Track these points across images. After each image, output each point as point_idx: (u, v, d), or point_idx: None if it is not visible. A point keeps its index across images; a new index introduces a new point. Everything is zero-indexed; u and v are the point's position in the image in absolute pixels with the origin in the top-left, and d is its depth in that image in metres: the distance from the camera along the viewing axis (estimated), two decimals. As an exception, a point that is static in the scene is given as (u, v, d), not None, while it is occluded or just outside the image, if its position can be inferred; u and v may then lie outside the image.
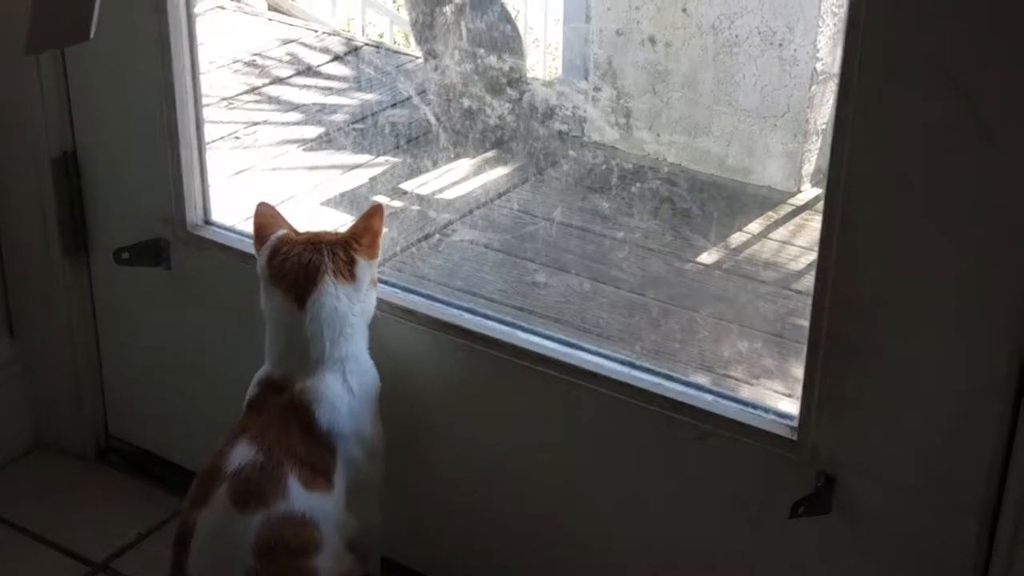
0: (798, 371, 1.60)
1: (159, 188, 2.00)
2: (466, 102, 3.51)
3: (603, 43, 3.65)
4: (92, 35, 1.34)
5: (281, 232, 1.75)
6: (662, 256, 3.12)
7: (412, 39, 4.05)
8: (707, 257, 3.14)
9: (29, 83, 2.03)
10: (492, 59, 3.55)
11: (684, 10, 3.50)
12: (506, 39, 3.68)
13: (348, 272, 1.70)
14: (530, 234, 3.17)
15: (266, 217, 1.77)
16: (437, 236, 3.15)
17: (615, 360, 1.74)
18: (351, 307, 1.71)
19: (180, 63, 1.92)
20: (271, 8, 4.86)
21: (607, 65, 3.65)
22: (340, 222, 3.21)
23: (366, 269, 1.73)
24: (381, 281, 1.82)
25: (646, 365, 1.73)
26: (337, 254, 1.71)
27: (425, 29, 3.72)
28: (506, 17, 3.73)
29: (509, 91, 3.57)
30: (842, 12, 1.45)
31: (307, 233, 1.76)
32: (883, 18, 1.37)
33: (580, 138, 3.48)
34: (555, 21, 4.87)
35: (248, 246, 1.97)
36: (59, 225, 2.11)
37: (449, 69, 3.58)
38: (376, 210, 1.75)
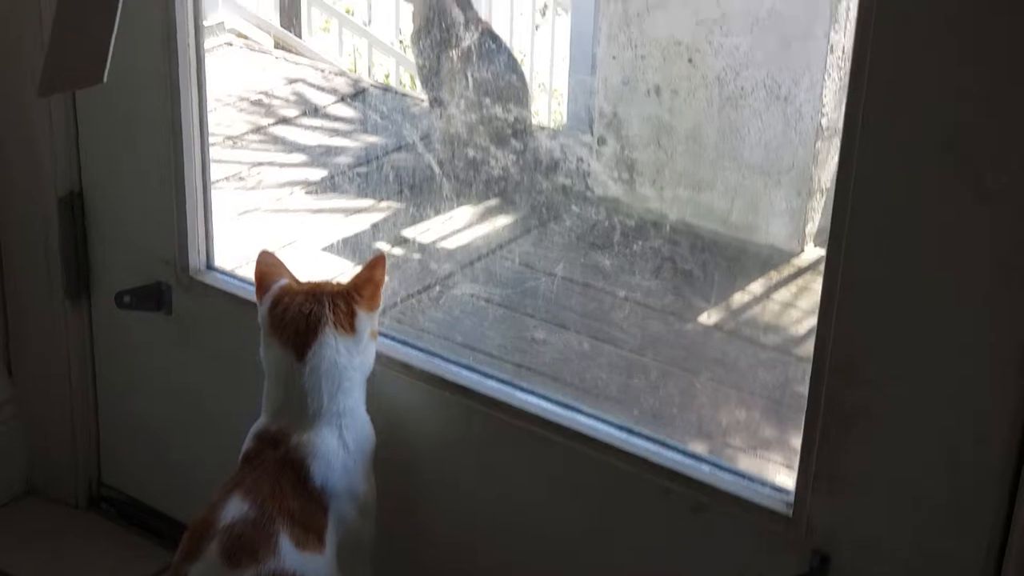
0: (796, 441, 1.59)
1: (163, 231, 2.01)
2: (471, 152, 3.52)
3: (608, 93, 3.66)
4: (105, 78, 1.35)
5: (283, 282, 1.74)
6: (663, 316, 3.12)
7: (418, 82, 4.07)
8: (708, 318, 3.14)
9: (39, 122, 2.04)
10: (497, 109, 3.56)
11: (690, 61, 3.50)
12: (513, 89, 3.70)
13: (348, 324, 1.70)
14: (531, 289, 3.17)
15: (268, 266, 1.77)
16: (438, 288, 3.15)
17: (613, 425, 1.73)
18: (350, 360, 1.70)
19: (188, 106, 1.93)
20: (278, 46, 4.88)
21: (611, 115, 3.66)
22: (341, 267, 3.22)
23: (366, 321, 1.72)
24: (380, 334, 1.81)
25: (644, 432, 1.72)
26: (338, 305, 1.70)
27: (431, 76, 3.74)
28: (513, 67, 3.74)
29: (514, 142, 3.58)
30: (847, 67, 1.46)
31: (308, 283, 1.76)
32: (886, 80, 1.38)
33: (584, 193, 3.49)
34: (561, 61, 4.91)
35: (250, 293, 1.96)
36: (62, 265, 2.11)
37: (455, 118, 3.59)
38: (378, 260, 1.75)
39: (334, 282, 1.77)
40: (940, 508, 1.49)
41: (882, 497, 1.51)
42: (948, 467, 1.47)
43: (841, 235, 1.45)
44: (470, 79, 3.56)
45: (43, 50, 1.92)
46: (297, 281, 1.77)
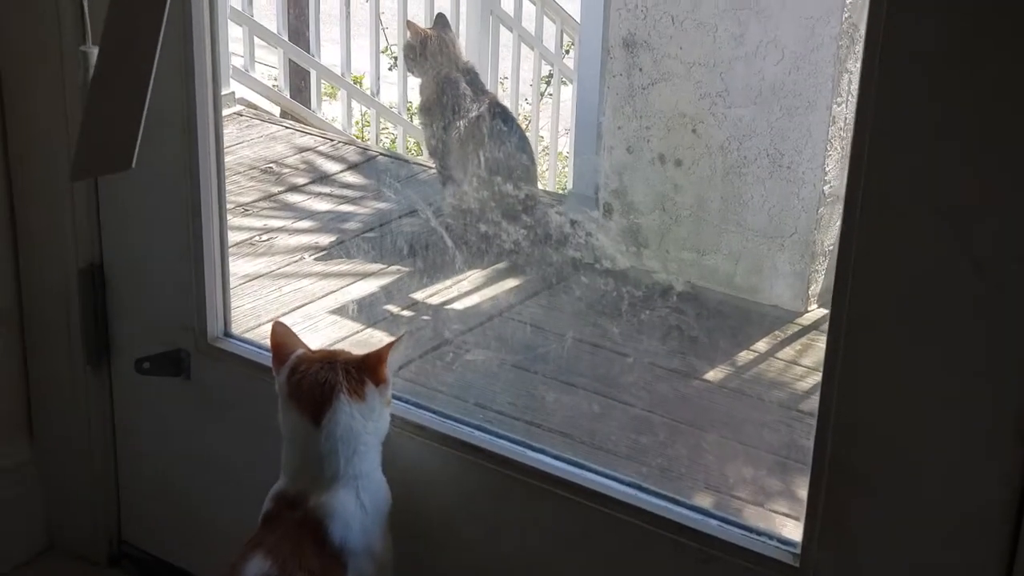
0: (802, 492, 1.63)
1: (182, 300, 2.06)
2: (482, 226, 3.58)
3: (613, 161, 3.72)
4: (134, 164, 1.40)
5: (299, 351, 1.80)
6: (669, 376, 3.16)
7: (425, 151, 4.13)
8: (714, 375, 3.18)
9: (61, 198, 2.10)
10: (508, 187, 3.63)
11: (694, 131, 3.57)
12: (523, 169, 3.75)
13: (360, 392, 1.75)
14: (541, 352, 3.22)
15: (282, 336, 1.82)
16: (449, 351, 3.19)
17: (623, 482, 1.77)
18: (364, 425, 1.75)
19: (207, 183, 1.98)
20: (285, 115, 4.95)
21: (617, 183, 3.72)
22: (350, 330, 3.26)
23: (374, 392, 1.77)
24: (395, 396, 1.86)
25: (653, 488, 1.76)
26: (350, 373, 1.75)
27: (439, 146, 3.80)
28: (523, 147, 3.80)
29: (524, 218, 3.64)
30: (849, 137, 1.51)
31: (322, 351, 1.82)
32: (884, 163, 1.43)
33: (592, 265, 3.54)
34: (565, 129, 4.97)
35: (265, 359, 2.02)
36: (83, 334, 2.16)
37: (467, 195, 3.66)
38: (392, 342, 1.79)
39: (345, 351, 1.82)
40: (943, 561, 1.53)
41: (887, 551, 1.55)
42: (951, 521, 1.51)
43: (843, 302, 1.49)
44: (481, 158, 3.62)
45: (67, 128, 2.01)
46: (310, 350, 1.82)
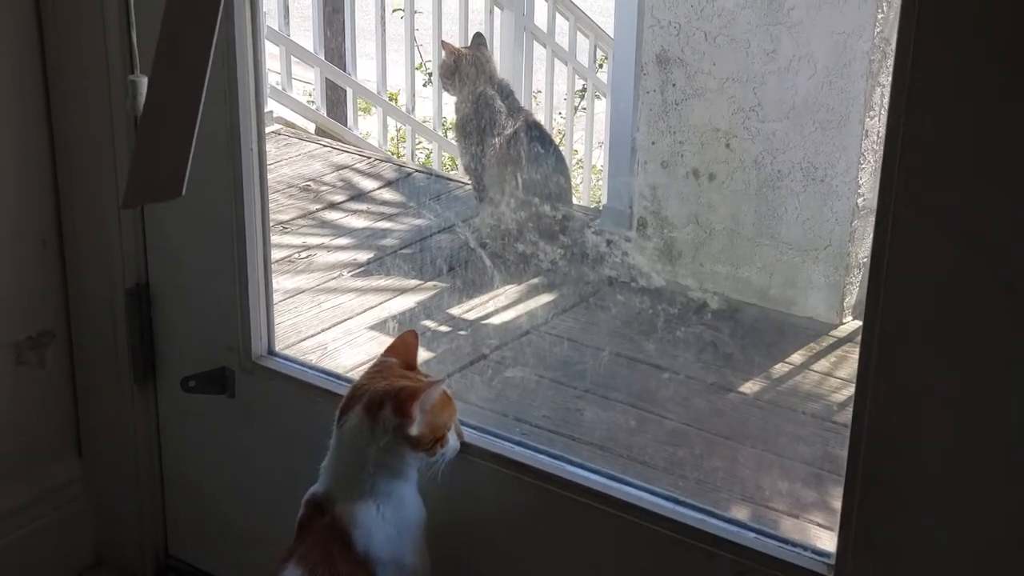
0: (836, 503, 1.65)
1: (226, 320, 2.10)
2: (520, 246, 3.61)
3: (647, 176, 3.75)
4: (184, 191, 1.44)
5: (389, 359, 1.81)
6: (705, 390, 3.18)
7: (460, 166, 4.17)
8: (749, 388, 3.20)
9: (109, 221, 2.15)
10: (546, 208, 3.66)
11: (727, 146, 3.59)
12: (560, 190, 3.78)
13: (373, 414, 1.73)
14: (579, 367, 3.24)
15: (401, 343, 1.83)
16: (490, 370, 3.22)
17: (660, 496, 1.80)
18: (370, 446, 1.73)
19: (251, 204, 2.03)
20: (320, 133, 5.00)
21: (651, 197, 3.74)
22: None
23: (389, 420, 1.72)
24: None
25: (689, 501, 1.79)
26: (376, 394, 1.74)
27: (475, 163, 3.83)
28: (560, 168, 3.82)
29: (561, 238, 3.66)
30: (881, 151, 1.53)
31: (407, 371, 1.80)
32: (916, 178, 1.45)
33: (628, 284, 3.56)
34: (598, 142, 5.00)
35: (309, 376, 2.07)
36: (130, 352, 2.20)
37: (505, 215, 3.69)
38: (432, 382, 1.76)
39: (411, 380, 1.78)
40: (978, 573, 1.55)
41: (921, 564, 1.57)
42: (985, 533, 1.52)
43: (875, 314, 1.51)
44: (519, 179, 3.66)
45: (114, 153, 2.06)
46: (408, 367, 1.81)
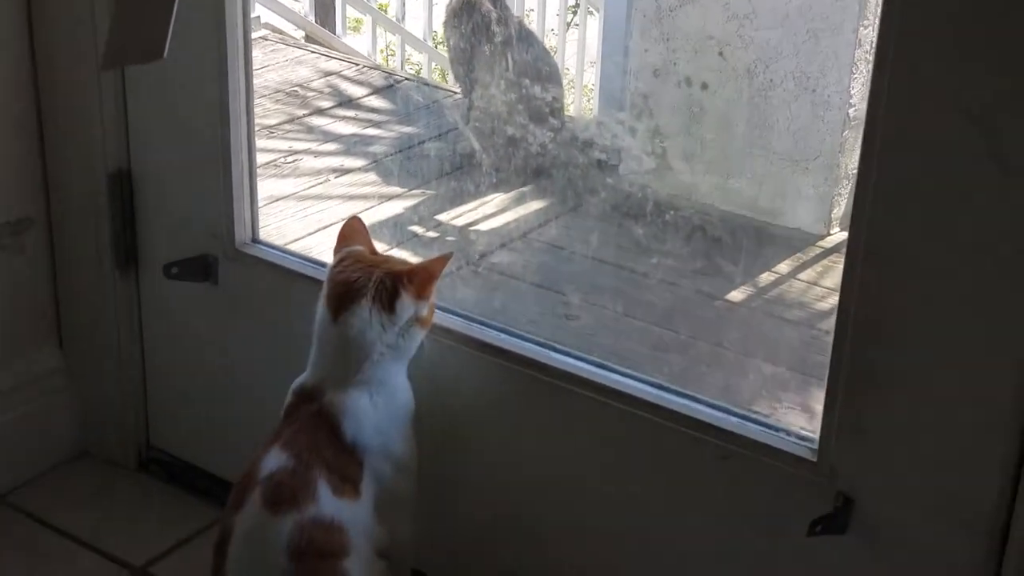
0: (818, 404, 1.65)
1: (210, 206, 2.08)
2: (509, 129, 3.59)
3: (639, 82, 3.72)
4: (165, 54, 1.41)
5: (355, 248, 1.80)
6: (692, 293, 3.18)
7: (450, 76, 4.14)
8: (735, 295, 3.20)
9: (90, 102, 2.11)
10: (536, 89, 3.64)
11: (720, 54, 3.56)
12: (547, 70, 3.77)
13: (388, 304, 1.73)
14: (565, 268, 3.23)
15: (352, 230, 1.83)
16: (473, 267, 3.21)
17: (645, 382, 1.79)
18: (382, 337, 1.73)
19: (236, 86, 1.99)
20: (309, 40, 4.95)
21: (643, 103, 3.72)
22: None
23: (409, 307, 1.74)
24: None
25: (674, 387, 1.78)
26: (383, 283, 1.73)
27: (462, 56, 3.81)
28: (545, 58, 3.82)
29: (552, 120, 3.65)
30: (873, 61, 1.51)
31: (377, 256, 1.81)
32: (909, 62, 1.44)
33: (617, 167, 3.55)
34: (591, 60, 4.96)
35: (293, 264, 2.05)
36: (111, 239, 2.18)
37: (495, 97, 3.67)
38: (442, 257, 1.78)
39: (398, 262, 1.80)
40: (957, 452, 1.54)
41: (902, 445, 1.57)
42: (964, 414, 1.52)
43: (867, 186, 1.50)
44: (509, 60, 3.63)
45: (95, 25, 2.01)
46: (372, 252, 1.81)
